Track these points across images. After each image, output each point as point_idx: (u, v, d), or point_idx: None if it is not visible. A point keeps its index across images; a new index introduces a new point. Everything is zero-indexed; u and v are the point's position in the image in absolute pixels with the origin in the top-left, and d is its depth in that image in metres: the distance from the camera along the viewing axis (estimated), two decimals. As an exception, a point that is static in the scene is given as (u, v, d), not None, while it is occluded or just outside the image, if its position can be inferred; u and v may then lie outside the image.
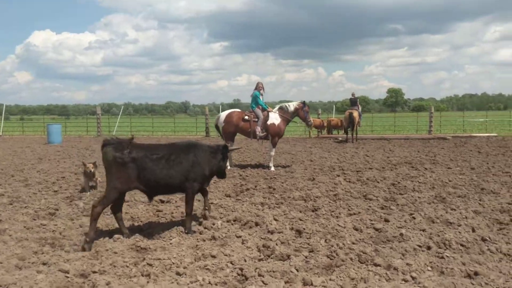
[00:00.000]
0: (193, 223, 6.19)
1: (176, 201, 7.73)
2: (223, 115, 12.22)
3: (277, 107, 12.42)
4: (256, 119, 11.92)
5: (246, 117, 11.98)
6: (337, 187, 8.66)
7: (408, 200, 7.35)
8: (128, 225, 6.25)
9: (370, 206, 6.99)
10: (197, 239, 5.55)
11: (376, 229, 5.72)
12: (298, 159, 13.80)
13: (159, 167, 5.38)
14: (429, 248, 4.95)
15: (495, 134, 22.86)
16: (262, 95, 12.20)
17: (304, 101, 12.23)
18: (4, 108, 29.48)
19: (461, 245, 5.01)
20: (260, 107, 12.08)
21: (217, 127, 12.43)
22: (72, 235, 5.72)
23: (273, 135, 11.83)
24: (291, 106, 12.21)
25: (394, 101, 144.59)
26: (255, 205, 7.28)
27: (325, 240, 5.28)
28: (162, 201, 7.80)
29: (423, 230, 5.62)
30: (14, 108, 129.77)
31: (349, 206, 7.04)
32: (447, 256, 4.59)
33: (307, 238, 5.43)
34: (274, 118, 12.05)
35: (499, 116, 37.71)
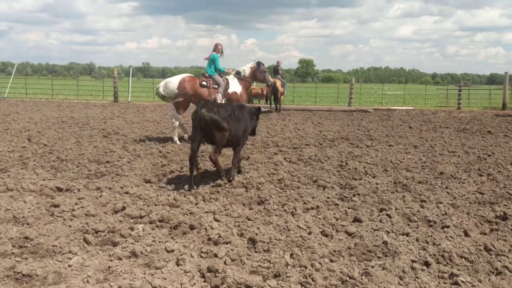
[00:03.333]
0: (103, 226, 4.49)
1: (79, 190, 5.88)
2: (174, 81, 10.09)
3: (232, 73, 10.87)
4: (216, 86, 10.26)
5: (204, 83, 10.22)
6: (279, 169, 7.32)
7: (368, 188, 6.21)
8: (7, 229, 4.39)
9: (328, 198, 5.72)
10: (110, 255, 3.89)
11: (350, 234, 4.46)
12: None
13: (234, 122, 6.27)
14: (427, 264, 3.77)
15: (412, 108, 23.07)
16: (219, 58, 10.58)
17: (257, 61, 10.99)
18: None
19: (465, 258, 3.90)
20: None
21: (162, 96, 10.27)
22: None
23: None
24: (247, 70, 10.98)
25: (305, 71, 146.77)
26: (185, 196, 5.69)
27: (291, 255, 3.89)
28: (59, 189, 5.92)
29: (407, 235, 4.46)
30: None
31: (302, 197, 5.72)
32: (462, 282, 3.42)
33: (265, 251, 4.01)
34: (235, 85, 10.67)
35: (415, 90, 38.92)
